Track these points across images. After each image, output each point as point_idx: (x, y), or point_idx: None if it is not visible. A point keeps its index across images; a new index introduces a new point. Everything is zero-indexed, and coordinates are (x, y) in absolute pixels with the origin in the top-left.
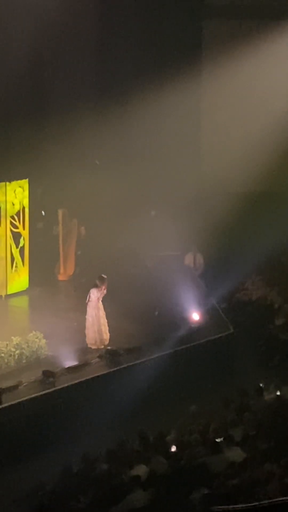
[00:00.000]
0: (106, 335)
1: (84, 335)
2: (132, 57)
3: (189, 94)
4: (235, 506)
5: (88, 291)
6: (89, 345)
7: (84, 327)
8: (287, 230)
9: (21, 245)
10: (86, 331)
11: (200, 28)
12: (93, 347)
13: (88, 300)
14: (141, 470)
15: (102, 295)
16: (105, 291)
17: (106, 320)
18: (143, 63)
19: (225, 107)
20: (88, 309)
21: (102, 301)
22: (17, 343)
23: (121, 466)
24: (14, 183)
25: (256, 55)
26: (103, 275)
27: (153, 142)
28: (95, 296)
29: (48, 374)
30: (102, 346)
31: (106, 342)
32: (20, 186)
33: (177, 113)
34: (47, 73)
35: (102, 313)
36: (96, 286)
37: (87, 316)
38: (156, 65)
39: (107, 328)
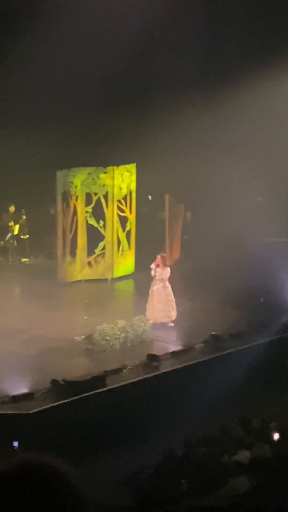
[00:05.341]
0: (161, 312)
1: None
2: (237, 46)
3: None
4: None
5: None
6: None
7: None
8: None
9: (127, 229)
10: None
11: None
12: (151, 321)
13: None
14: (243, 456)
15: (162, 272)
16: (164, 267)
17: (167, 298)
18: (244, 54)
19: None
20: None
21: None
22: (122, 327)
23: (222, 451)
24: (122, 167)
25: None
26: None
27: (259, 128)
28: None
29: (152, 358)
30: (170, 322)
31: (165, 320)
32: (127, 171)
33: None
34: (155, 59)
35: (163, 290)
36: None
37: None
38: (256, 57)
39: (170, 306)
